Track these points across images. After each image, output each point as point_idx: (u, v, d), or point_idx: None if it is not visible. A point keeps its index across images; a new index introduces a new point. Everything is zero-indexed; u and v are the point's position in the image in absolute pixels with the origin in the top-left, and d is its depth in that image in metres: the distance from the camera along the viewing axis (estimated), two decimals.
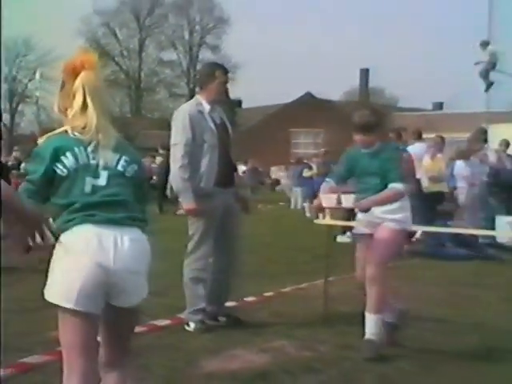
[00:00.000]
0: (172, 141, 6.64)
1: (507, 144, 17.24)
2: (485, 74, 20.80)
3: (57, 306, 3.19)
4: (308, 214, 21.58)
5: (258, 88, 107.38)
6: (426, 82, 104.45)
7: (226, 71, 6.92)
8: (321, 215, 12.89)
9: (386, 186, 5.78)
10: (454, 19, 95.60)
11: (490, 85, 21.12)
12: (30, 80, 58.96)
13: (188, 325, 6.67)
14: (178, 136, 6.54)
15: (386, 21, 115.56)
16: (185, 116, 6.56)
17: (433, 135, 14.86)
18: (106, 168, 3.40)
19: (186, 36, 63.68)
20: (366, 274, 5.87)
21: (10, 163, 21.55)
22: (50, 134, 3.43)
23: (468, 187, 13.51)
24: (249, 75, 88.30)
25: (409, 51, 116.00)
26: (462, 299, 8.42)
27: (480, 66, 20.81)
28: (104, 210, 3.30)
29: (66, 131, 3.39)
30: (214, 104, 6.73)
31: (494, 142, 17.68)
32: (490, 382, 5.29)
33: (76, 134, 3.36)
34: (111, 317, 3.35)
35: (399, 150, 6.46)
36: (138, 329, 6.31)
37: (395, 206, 5.86)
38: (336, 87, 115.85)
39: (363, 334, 5.91)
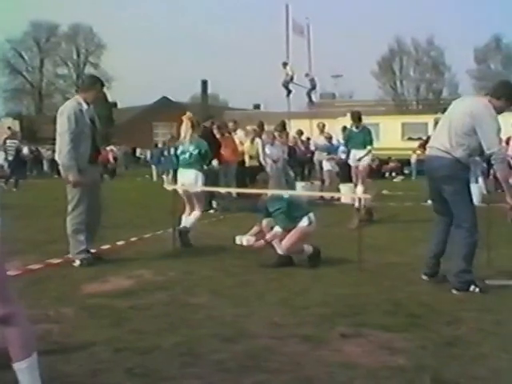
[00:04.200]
0: (59, 130, 6.53)
1: (301, 132, 18.05)
2: (286, 85, 21.36)
3: None
4: (165, 184, 21.44)
5: (129, 93, 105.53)
6: (248, 90, 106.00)
7: (102, 85, 6.97)
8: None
9: None
10: (264, 44, 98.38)
11: (289, 92, 21.72)
12: None
13: (74, 262, 6.60)
14: (66, 127, 6.46)
15: (220, 44, 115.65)
16: (70, 112, 6.50)
17: (253, 127, 15.10)
18: (188, 151, 7.92)
19: (75, 56, 64.27)
20: None
21: None
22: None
23: (272, 162, 13.84)
24: (122, 84, 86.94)
25: (236, 67, 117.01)
26: None
27: (283, 79, 21.33)
28: (186, 165, 7.93)
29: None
30: (90, 105, 6.71)
31: (292, 131, 18.35)
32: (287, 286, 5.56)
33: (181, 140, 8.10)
34: None
35: None
36: (36, 266, 6.30)
37: None
38: (184, 92, 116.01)
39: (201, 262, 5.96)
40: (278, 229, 6.49)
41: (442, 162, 5.52)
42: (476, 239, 5.51)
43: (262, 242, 6.53)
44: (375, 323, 4.41)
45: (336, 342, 4.04)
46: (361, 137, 10.71)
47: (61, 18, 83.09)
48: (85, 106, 6.61)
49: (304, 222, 6.54)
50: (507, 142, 13.61)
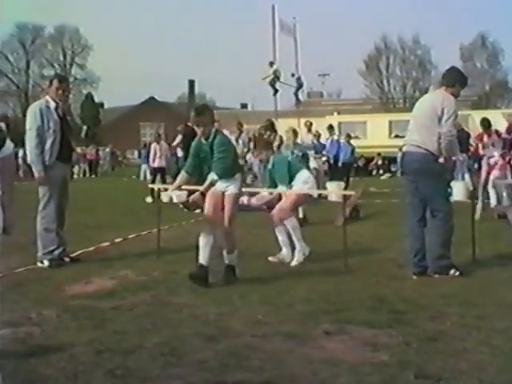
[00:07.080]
0: (27, 126, 6.57)
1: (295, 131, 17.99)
2: (272, 84, 21.20)
3: None
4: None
5: (116, 93, 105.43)
6: (235, 89, 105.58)
7: (60, 81, 6.71)
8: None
9: None
10: (252, 43, 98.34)
11: (276, 91, 21.56)
12: None
13: (42, 262, 6.51)
14: (32, 123, 6.51)
15: (207, 44, 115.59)
16: (36, 109, 6.55)
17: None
18: (294, 153, 9.41)
19: (61, 58, 63.83)
20: None
21: None
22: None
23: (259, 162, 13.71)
24: (109, 84, 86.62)
25: (223, 66, 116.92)
26: (254, 236, 8.54)
27: (269, 78, 21.15)
28: None
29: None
30: (59, 102, 6.61)
31: (281, 130, 18.26)
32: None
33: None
34: None
35: None
36: (19, 268, 6.21)
37: None
38: (172, 92, 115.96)
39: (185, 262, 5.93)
40: (264, 193, 7.61)
41: (414, 156, 5.86)
42: (451, 226, 5.81)
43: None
44: (359, 320, 4.40)
45: (320, 339, 4.03)
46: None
47: (46, 19, 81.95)
48: (52, 104, 6.58)
49: (299, 182, 7.22)
50: (481, 139, 13.35)
